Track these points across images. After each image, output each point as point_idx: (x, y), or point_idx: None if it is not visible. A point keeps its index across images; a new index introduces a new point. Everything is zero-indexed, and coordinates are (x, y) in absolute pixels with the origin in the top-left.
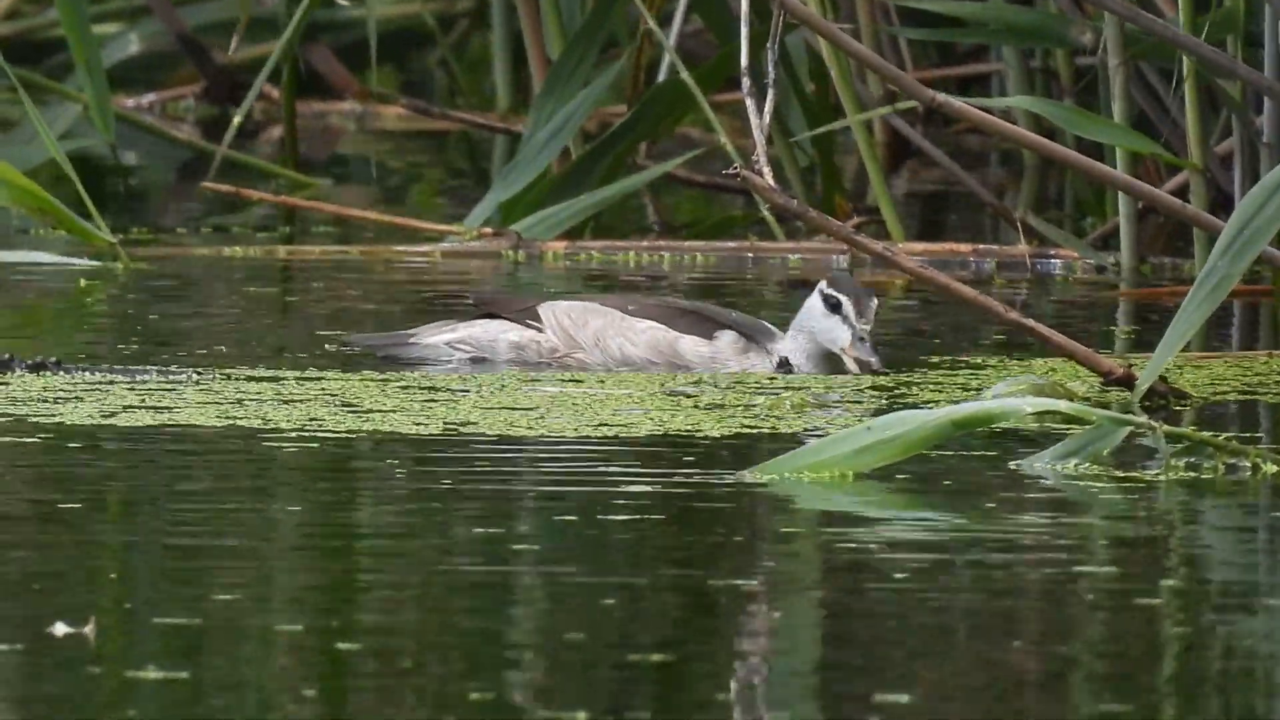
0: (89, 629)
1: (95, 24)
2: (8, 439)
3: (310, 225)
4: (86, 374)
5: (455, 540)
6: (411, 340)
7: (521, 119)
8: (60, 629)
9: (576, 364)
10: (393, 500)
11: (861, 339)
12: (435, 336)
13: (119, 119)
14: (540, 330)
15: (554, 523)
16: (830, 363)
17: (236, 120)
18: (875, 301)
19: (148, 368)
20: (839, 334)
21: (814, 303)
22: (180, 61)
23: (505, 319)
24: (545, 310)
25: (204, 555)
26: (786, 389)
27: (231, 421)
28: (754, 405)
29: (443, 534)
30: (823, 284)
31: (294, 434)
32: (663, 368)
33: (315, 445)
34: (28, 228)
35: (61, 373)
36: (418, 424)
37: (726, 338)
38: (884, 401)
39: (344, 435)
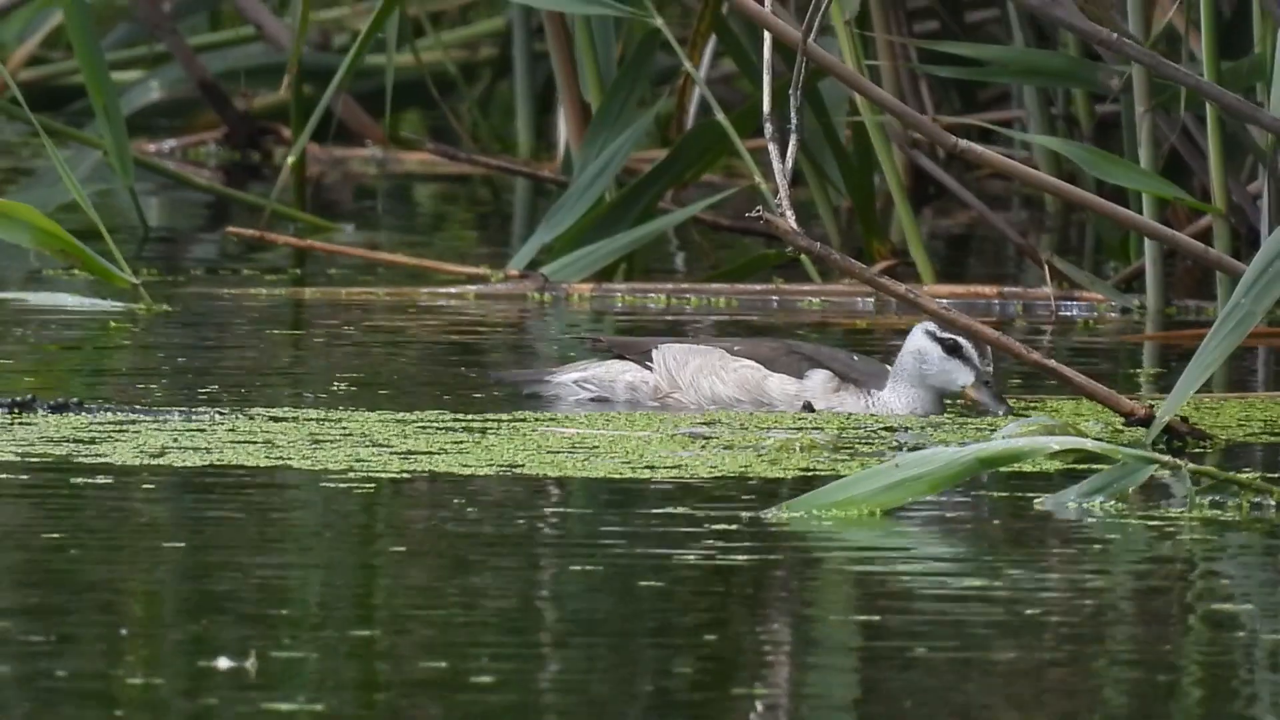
0: (250, 663)
1: (118, 71)
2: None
3: (326, 268)
4: (109, 413)
5: (481, 589)
6: (547, 379)
7: (544, 164)
8: (223, 663)
9: (675, 404)
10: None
11: (986, 382)
12: (566, 375)
13: (140, 164)
14: (652, 370)
15: (572, 566)
16: (938, 408)
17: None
18: (990, 350)
19: (170, 408)
20: (960, 376)
21: (925, 345)
22: (201, 107)
23: (628, 360)
24: (658, 351)
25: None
26: (801, 429)
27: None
28: (764, 446)
29: (488, 578)
30: (927, 327)
31: (345, 473)
32: (749, 406)
33: (364, 485)
34: (42, 269)
35: (83, 413)
36: (460, 464)
37: (818, 377)
38: (897, 442)
39: (393, 476)
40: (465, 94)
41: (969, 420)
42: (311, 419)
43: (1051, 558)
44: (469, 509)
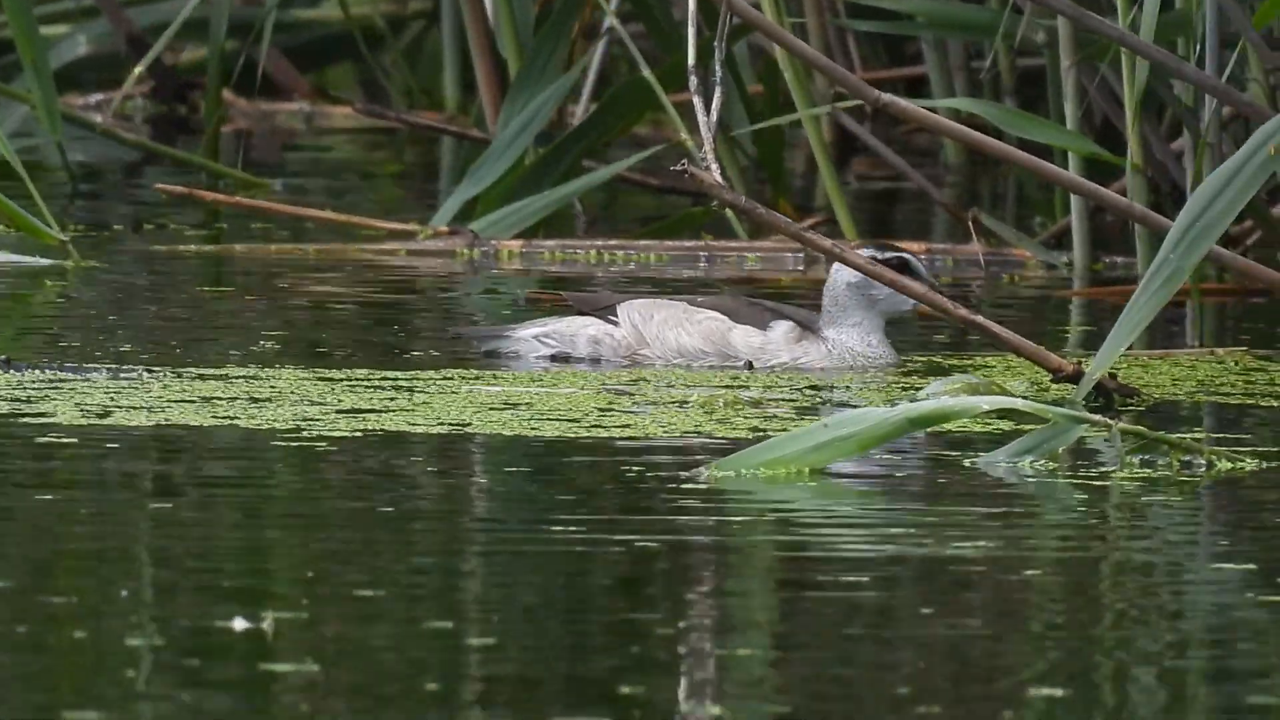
0: (266, 624)
1: (44, 25)
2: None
3: (255, 224)
4: (39, 371)
5: (415, 544)
6: (508, 334)
7: (468, 119)
8: (239, 624)
9: (643, 359)
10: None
11: (939, 291)
12: (526, 331)
13: (67, 119)
14: (616, 325)
15: (494, 523)
16: (885, 340)
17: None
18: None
19: (99, 366)
20: (903, 296)
21: (849, 276)
22: (129, 62)
23: (589, 315)
24: (623, 307)
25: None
26: (727, 387)
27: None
28: (687, 403)
29: (408, 529)
30: (869, 251)
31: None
32: (714, 358)
33: (312, 442)
34: None
35: (12, 371)
36: (368, 424)
37: (781, 328)
38: (820, 400)
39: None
40: (393, 47)
41: (898, 377)
42: (242, 377)
43: (979, 517)
44: (390, 468)
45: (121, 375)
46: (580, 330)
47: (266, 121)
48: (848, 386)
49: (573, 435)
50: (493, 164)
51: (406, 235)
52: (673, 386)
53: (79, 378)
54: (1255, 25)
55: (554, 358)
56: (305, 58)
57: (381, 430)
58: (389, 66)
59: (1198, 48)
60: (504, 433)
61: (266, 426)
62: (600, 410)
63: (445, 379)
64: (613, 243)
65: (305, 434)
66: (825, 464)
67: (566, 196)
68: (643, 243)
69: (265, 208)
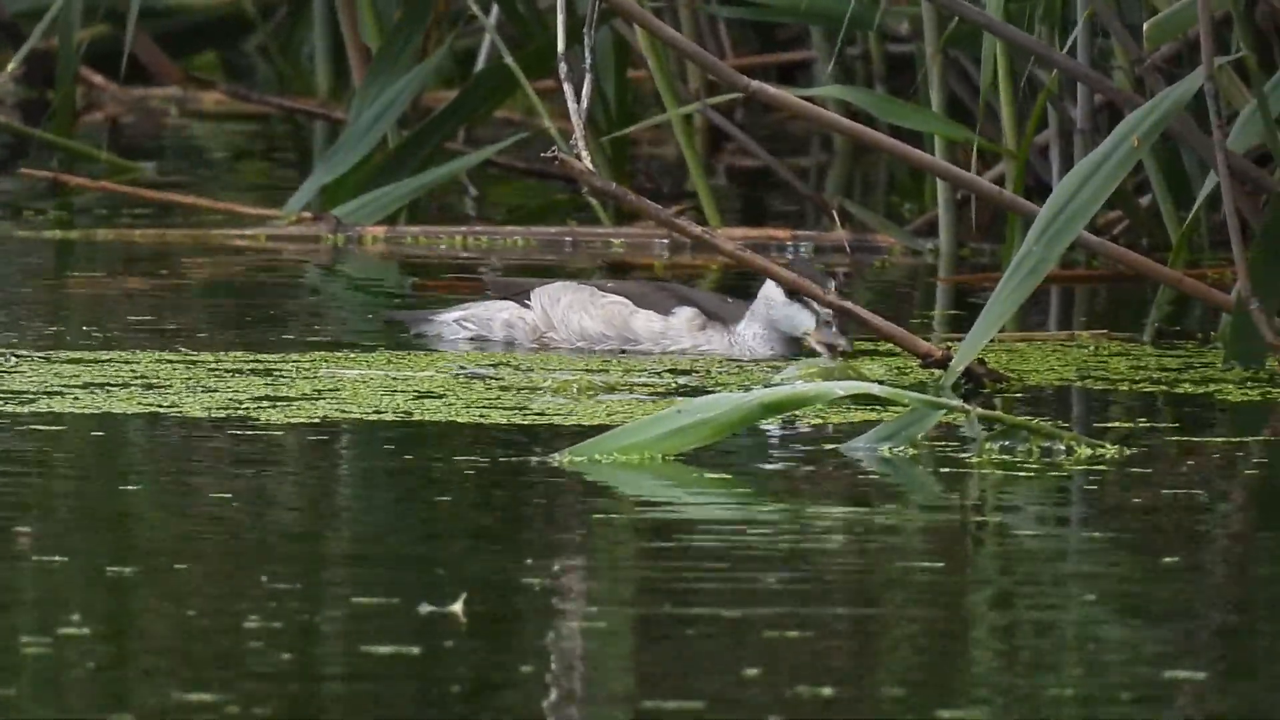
0: (457, 607)
1: None
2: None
3: (125, 208)
4: None
5: (278, 524)
6: (432, 318)
7: (339, 105)
8: (425, 608)
9: (551, 343)
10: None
11: (827, 323)
12: (448, 314)
13: None
14: (529, 309)
15: (353, 507)
16: (794, 349)
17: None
18: (834, 284)
19: None
20: (801, 319)
21: (771, 290)
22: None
23: (505, 299)
24: (536, 292)
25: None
26: (589, 371)
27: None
28: (542, 388)
29: (273, 514)
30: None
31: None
32: (615, 342)
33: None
34: None
35: None
36: (218, 405)
37: (684, 314)
38: (675, 385)
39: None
40: (262, 32)
41: (760, 363)
42: (99, 361)
43: (836, 504)
44: (237, 454)
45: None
46: (496, 314)
47: (139, 107)
48: (709, 372)
49: (430, 419)
50: (350, 148)
51: (269, 221)
52: (532, 370)
53: None
54: (1147, 47)
55: (472, 340)
56: (177, 43)
57: (227, 413)
58: (259, 51)
59: (1063, 36)
60: (351, 415)
61: (118, 410)
62: (457, 394)
63: (304, 362)
64: (477, 229)
65: (158, 415)
66: (679, 449)
67: (432, 182)
68: (508, 228)
69: (130, 192)
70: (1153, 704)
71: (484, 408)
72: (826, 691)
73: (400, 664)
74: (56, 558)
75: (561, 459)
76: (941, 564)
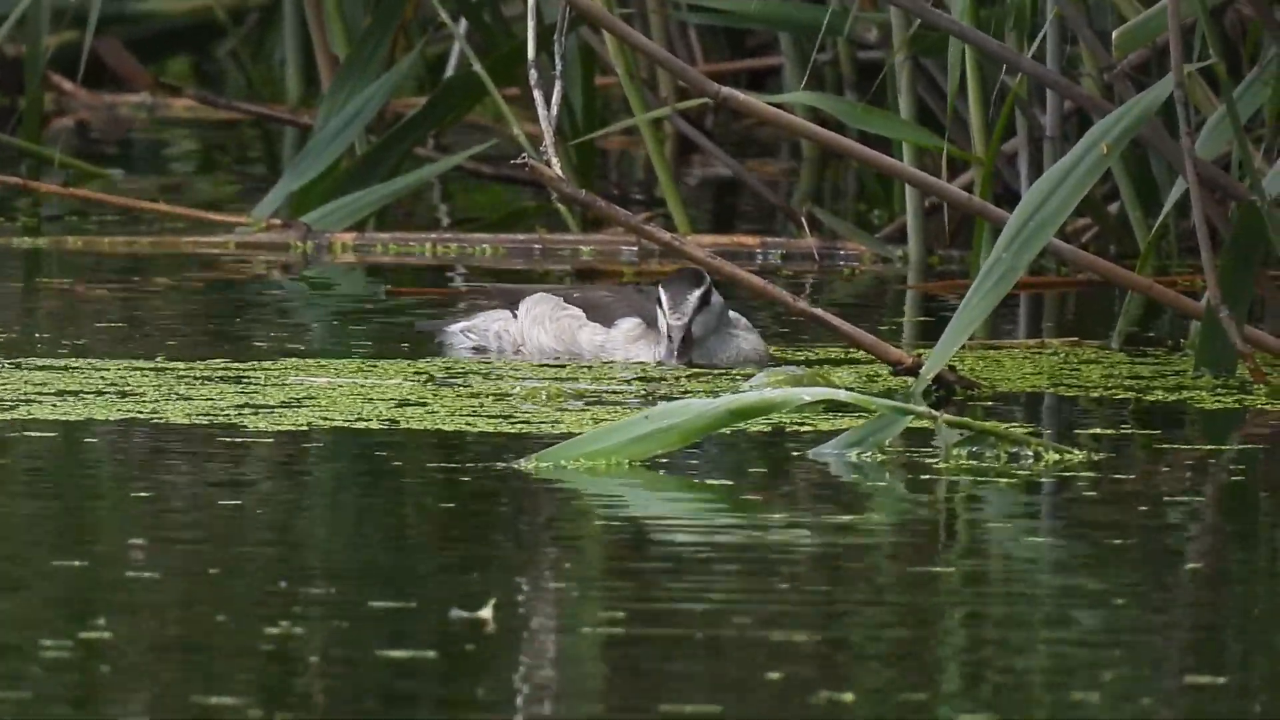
0: (486, 613)
1: None
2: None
3: (95, 215)
4: None
5: (210, 539)
6: (447, 329)
7: (310, 111)
8: (456, 614)
9: (524, 355)
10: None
11: (669, 336)
12: (457, 324)
13: None
14: (516, 319)
15: (319, 516)
16: (725, 347)
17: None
18: (694, 294)
19: None
20: (661, 327)
21: (662, 297)
22: None
23: (505, 308)
24: (524, 301)
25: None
26: (556, 379)
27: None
28: (509, 396)
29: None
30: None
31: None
32: (566, 356)
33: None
34: None
35: None
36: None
37: (624, 326)
38: (644, 393)
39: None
40: (234, 38)
41: (727, 371)
42: (68, 370)
43: (803, 510)
44: (220, 460)
45: None
46: (491, 324)
47: (108, 113)
48: (678, 378)
49: (400, 426)
50: (318, 155)
51: (238, 227)
52: (501, 379)
53: None
54: (1116, 54)
55: (476, 350)
56: (148, 49)
57: (202, 420)
58: (230, 57)
59: (1031, 42)
60: (322, 424)
61: (83, 418)
62: (425, 402)
63: (274, 369)
64: (447, 235)
65: (129, 422)
66: (646, 455)
67: (402, 189)
68: (476, 235)
69: (99, 199)
70: (1132, 706)
71: (454, 415)
72: (790, 691)
73: (414, 667)
74: (66, 562)
75: (528, 465)
76: (907, 566)
